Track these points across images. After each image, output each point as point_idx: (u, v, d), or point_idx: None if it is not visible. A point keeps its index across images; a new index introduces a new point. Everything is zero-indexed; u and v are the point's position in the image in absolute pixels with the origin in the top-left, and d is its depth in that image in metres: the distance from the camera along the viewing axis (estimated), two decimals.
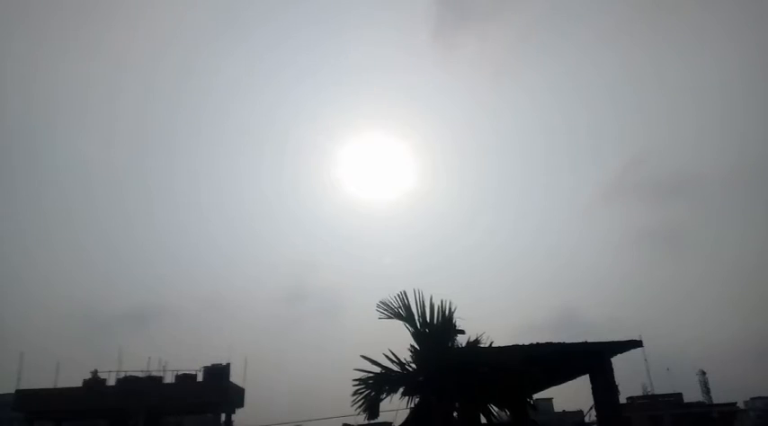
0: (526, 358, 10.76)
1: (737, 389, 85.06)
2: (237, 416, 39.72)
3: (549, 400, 54.41)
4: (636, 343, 13.85)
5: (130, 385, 35.21)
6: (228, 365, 36.54)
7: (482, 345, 10.56)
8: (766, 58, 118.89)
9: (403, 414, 10.63)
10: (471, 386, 10.17)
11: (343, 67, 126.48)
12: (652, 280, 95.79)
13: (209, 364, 36.31)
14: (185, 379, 36.05)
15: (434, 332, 10.46)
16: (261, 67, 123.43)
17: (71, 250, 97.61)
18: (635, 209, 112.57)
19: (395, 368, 10.59)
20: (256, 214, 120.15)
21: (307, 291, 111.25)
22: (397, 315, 10.57)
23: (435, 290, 10.65)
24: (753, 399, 61.58)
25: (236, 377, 37.19)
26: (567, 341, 12.96)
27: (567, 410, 54.04)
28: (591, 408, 15.30)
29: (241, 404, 38.87)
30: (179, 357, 60.65)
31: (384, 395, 10.48)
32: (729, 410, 53.88)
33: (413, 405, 10.57)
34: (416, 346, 10.58)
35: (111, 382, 35.74)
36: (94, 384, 35.46)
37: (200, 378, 36.09)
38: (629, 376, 47.51)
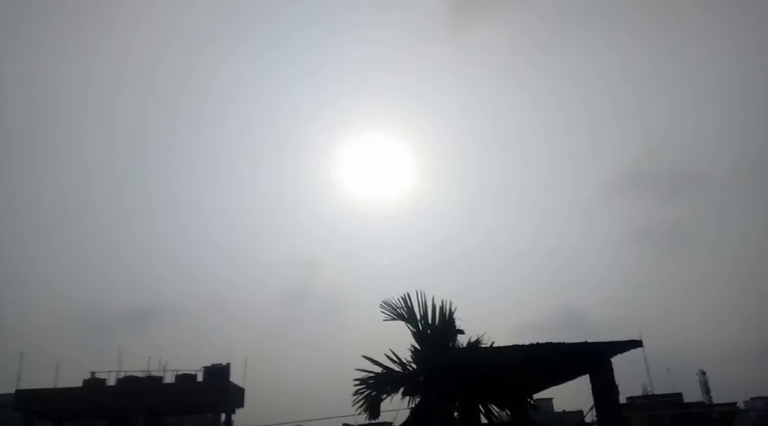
0: (526, 358, 10.77)
1: (737, 389, 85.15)
2: (237, 416, 39.79)
3: (549, 400, 54.43)
4: (636, 343, 13.86)
5: (130, 385, 35.24)
6: (228, 365, 36.57)
7: (482, 345, 10.58)
8: (766, 57, 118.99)
9: (403, 414, 10.65)
10: (472, 386, 10.19)
11: (342, 67, 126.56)
12: (652, 280, 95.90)
13: (209, 364, 36.34)
14: (185, 379, 36.06)
15: (435, 332, 10.48)
16: (261, 67, 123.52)
17: (71, 250, 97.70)
18: (635, 209, 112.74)
19: (396, 368, 10.60)
20: (256, 214, 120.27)
21: (307, 291, 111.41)
22: (400, 316, 10.59)
23: (436, 290, 10.69)
24: (753, 399, 61.62)
25: (236, 377, 37.26)
26: (567, 341, 12.98)
27: (567, 410, 54.07)
28: (591, 408, 15.30)
29: (241, 404, 38.88)
30: (179, 357, 60.65)
31: (385, 395, 10.49)
32: (729, 410, 53.89)
33: (413, 405, 10.59)
34: (417, 346, 10.60)
35: (111, 382, 35.77)
36: (94, 384, 35.47)
37: (200, 378, 36.10)
38: (629, 376, 47.51)
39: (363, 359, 10.57)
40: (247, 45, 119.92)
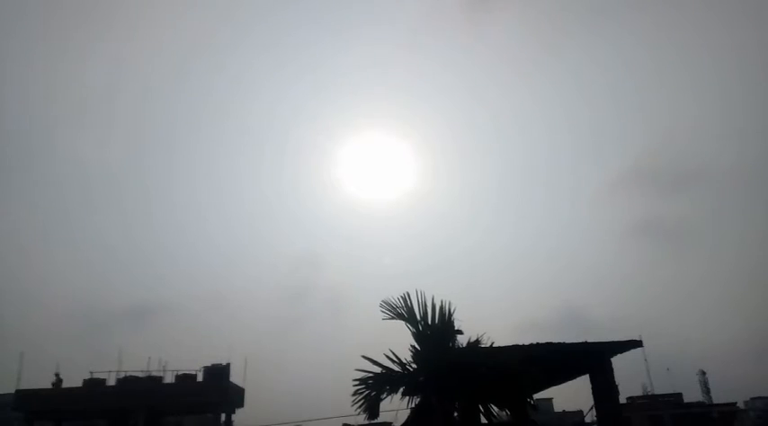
0: (526, 358, 10.77)
1: (737, 389, 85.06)
2: (237, 416, 39.79)
3: (549, 400, 54.41)
4: (636, 343, 13.87)
5: (130, 385, 35.25)
6: (228, 365, 36.58)
7: (482, 345, 10.58)
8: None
9: (403, 414, 10.66)
10: (471, 387, 10.19)
11: (342, 66, 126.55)
12: (653, 280, 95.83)
13: (209, 364, 36.35)
14: (185, 379, 36.07)
15: (435, 332, 10.49)
16: (260, 66, 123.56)
17: (71, 250, 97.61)
18: (636, 208, 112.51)
19: (395, 368, 10.60)
20: (256, 214, 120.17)
21: (307, 291, 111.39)
22: (400, 316, 10.60)
23: (436, 291, 10.69)
24: (753, 399, 61.61)
25: (236, 377, 37.26)
26: (567, 342, 12.99)
27: (567, 410, 54.05)
28: (591, 408, 15.31)
29: (241, 404, 38.89)
30: (179, 357, 60.65)
31: (384, 395, 10.49)
32: (729, 410, 53.90)
33: (413, 405, 10.59)
34: (417, 346, 10.60)
35: (111, 382, 35.78)
36: (94, 384, 35.48)
37: (200, 378, 36.11)
38: (629, 376, 47.48)
39: (363, 359, 10.59)
40: (247, 43, 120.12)
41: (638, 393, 56.85)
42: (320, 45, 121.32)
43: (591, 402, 14.76)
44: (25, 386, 34.73)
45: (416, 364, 10.62)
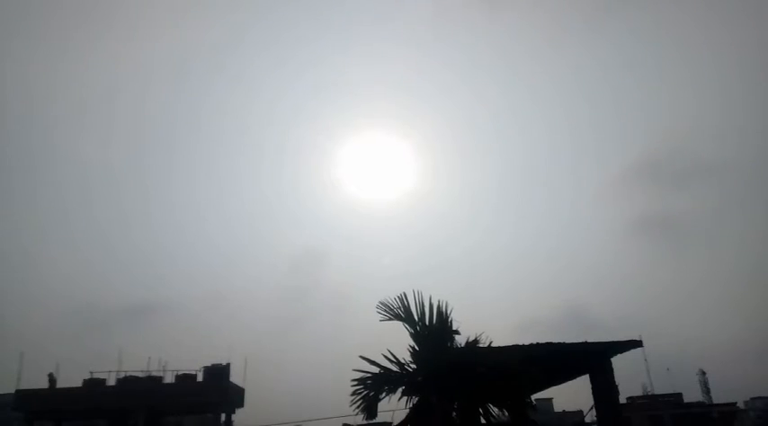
0: (525, 358, 10.75)
1: (737, 389, 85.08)
2: (237, 416, 39.80)
3: (549, 400, 54.41)
4: (636, 343, 13.84)
5: (130, 385, 35.25)
6: (228, 365, 36.58)
7: (481, 345, 10.56)
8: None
9: (401, 414, 10.63)
10: (470, 387, 10.17)
11: (342, 65, 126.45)
12: (653, 280, 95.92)
13: (209, 364, 36.35)
14: (185, 379, 36.07)
15: (433, 332, 10.47)
16: (260, 65, 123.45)
17: (70, 250, 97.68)
18: (637, 207, 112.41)
19: (394, 368, 10.59)
20: (256, 214, 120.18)
21: (307, 291, 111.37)
22: (397, 316, 10.59)
23: (436, 291, 10.68)
24: (753, 399, 61.58)
25: (236, 377, 37.26)
26: (567, 342, 12.96)
27: (567, 410, 54.04)
28: (591, 408, 15.28)
29: (241, 404, 38.89)
30: (179, 357, 60.69)
31: (383, 395, 10.48)
32: (729, 410, 53.88)
33: (412, 406, 10.57)
34: (415, 346, 10.58)
35: (111, 382, 35.78)
36: (94, 384, 35.48)
37: (200, 378, 36.11)
38: (629, 376, 47.54)
39: (361, 359, 10.57)
40: (246, 42, 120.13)
41: (638, 393, 56.94)
42: (320, 43, 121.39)
43: (591, 402, 14.73)
44: (25, 385, 34.76)
45: (415, 364, 10.60)
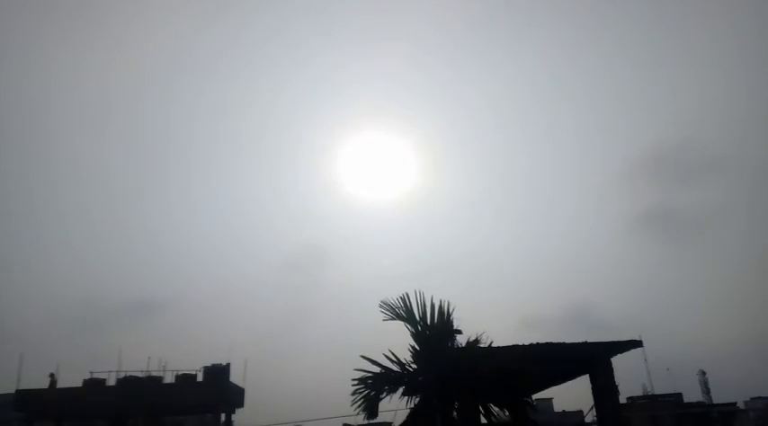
0: (525, 358, 10.78)
1: (737, 389, 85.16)
2: (237, 416, 39.82)
3: (549, 400, 54.46)
4: (636, 343, 13.85)
5: (130, 385, 35.27)
6: (228, 365, 36.62)
7: (482, 345, 10.59)
8: None
9: (402, 414, 10.67)
10: (471, 386, 10.20)
11: (342, 64, 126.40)
12: (655, 279, 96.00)
13: (209, 364, 36.38)
14: (185, 379, 36.10)
15: (434, 332, 10.50)
16: (257, 62, 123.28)
17: (70, 250, 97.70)
18: (642, 206, 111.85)
19: (395, 368, 10.62)
20: (256, 213, 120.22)
21: (307, 291, 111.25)
22: (399, 316, 10.63)
23: (438, 291, 10.73)
24: (753, 399, 61.62)
25: (236, 378, 37.29)
26: (567, 342, 12.99)
27: (566, 410, 54.08)
28: (591, 408, 15.30)
29: (241, 405, 38.93)
30: (179, 357, 60.73)
31: (384, 395, 10.51)
32: (729, 410, 53.95)
33: (412, 405, 10.60)
34: (416, 346, 10.61)
35: (111, 382, 35.81)
36: (94, 384, 35.52)
37: (200, 378, 36.15)
38: (629, 376, 47.63)
39: (362, 359, 10.60)
40: (243, 39, 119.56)
41: (638, 393, 57.03)
42: (317, 40, 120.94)
43: (591, 402, 14.75)
44: (25, 386, 34.79)
45: (416, 364, 10.63)
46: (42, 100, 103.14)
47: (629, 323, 70.38)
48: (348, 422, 29.60)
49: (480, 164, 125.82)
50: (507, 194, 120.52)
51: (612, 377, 14.12)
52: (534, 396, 14.92)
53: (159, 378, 36.22)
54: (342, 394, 11.20)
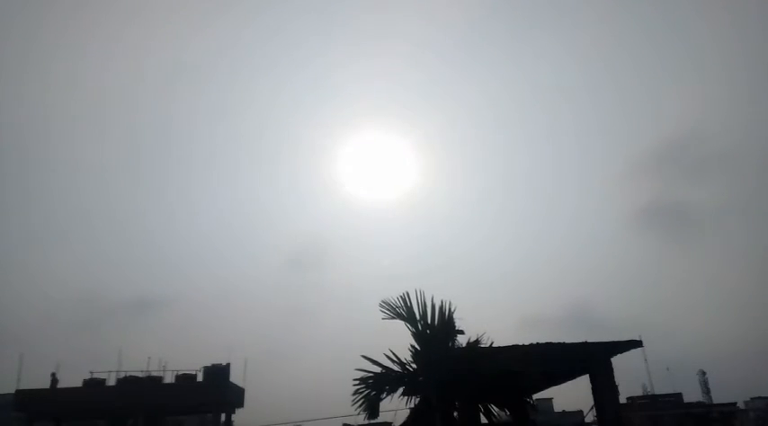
0: (526, 358, 10.78)
1: (737, 389, 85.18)
2: (237, 416, 39.82)
3: (549, 400, 54.44)
4: (636, 343, 13.85)
5: (130, 385, 35.27)
6: (228, 365, 36.61)
7: (482, 345, 10.60)
8: None
9: (403, 414, 10.68)
10: (471, 386, 10.20)
11: (342, 63, 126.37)
12: (657, 278, 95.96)
13: (209, 364, 36.38)
14: (185, 379, 36.09)
15: (435, 332, 10.50)
16: (257, 62, 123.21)
17: (69, 251, 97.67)
18: (643, 204, 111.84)
19: (395, 367, 10.63)
20: (256, 213, 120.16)
21: (307, 291, 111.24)
22: (399, 316, 10.63)
23: (438, 291, 10.72)
24: (753, 399, 61.64)
25: (236, 378, 37.30)
26: (567, 341, 12.99)
27: (567, 410, 54.09)
28: (591, 408, 15.30)
29: (241, 404, 38.93)
30: (179, 357, 60.72)
31: (384, 395, 10.52)
32: (729, 410, 53.98)
33: (413, 405, 10.61)
34: (417, 346, 10.62)
35: (111, 382, 35.81)
36: (94, 385, 35.52)
37: (200, 378, 36.15)
38: (629, 376, 47.63)
39: (363, 358, 10.61)
40: (242, 38, 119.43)
41: (639, 393, 57.02)
42: (316, 40, 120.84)
43: (591, 402, 14.75)
44: (25, 386, 34.79)
45: (416, 364, 10.64)
46: (42, 99, 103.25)
47: (629, 323, 70.41)
48: (348, 422, 29.59)
49: (480, 164, 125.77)
50: (507, 194, 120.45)
51: (612, 377, 14.13)
52: (534, 396, 14.92)
53: (159, 378, 36.20)
54: (342, 395, 11.23)
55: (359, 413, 10.56)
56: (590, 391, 14.55)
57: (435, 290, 10.72)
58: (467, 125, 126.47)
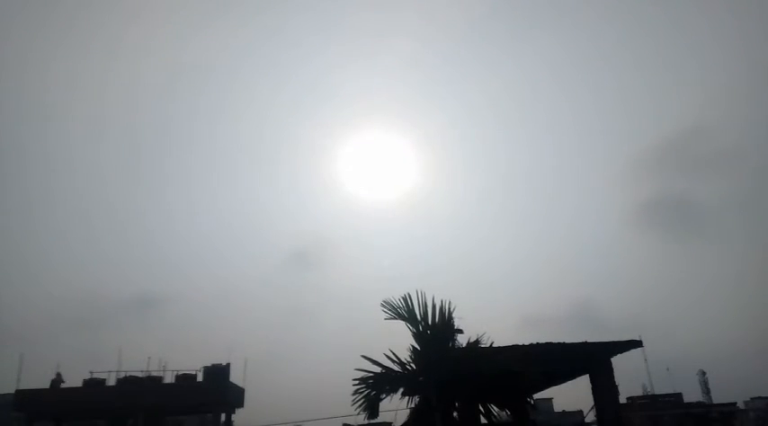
0: (526, 358, 10.79)
1: (737, 389, 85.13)
2: (237, 416, 39.81)
3: (549, 400, 54.47)
4: (636, 343, 13.87)
5: (130, 385, 35.26)
6: (228, 365, 36.59)
7: (482, 345, 10.61)
8: None
9: (403, 414, 10.69)
10: (471, 386, 10.21)
11: (342, 63, 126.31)
12: (657, 278, 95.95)
13: (209, 364, 36.38)
14: (185, 379, 36.09)
15: (435, 332, 10.51)
16: (256, 62, 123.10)
17: (69, 251, 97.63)
18: (641, 207, 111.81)
19: (395, 367, 10.64)
20: (256, 213, 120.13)
21: (307, 291, 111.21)
22: (400, 316, 10.65)
23: (438, 291, 10.74)
24: (753, 399, 61.64)
25: (236, 378, 37.30)
26: (567, 342, 13.00)
27: (567, 410, 54.12)
28: (591, 408, 15.32)
29: (241, 404, 38.92)
30: (179, 357, 60.76)
31: (384, 395, 10.53)
32: (729, 410, 53.97)
33: (413, 405, 10.62)
34: (417, 346, 10.63)
35: (111, 382, 35.80)
36: (94, 384, 35.52)
37: (200, 378, 36.15)
38: (629, 376, 47.63)
39: (363, 358, 10.62)
40: (241, 37, 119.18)
41: (639, 393, 57.02)
42: (316, 39, 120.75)
43: (591, 402, 14.77)
44: (25, 386, 34.80)
45: (416, 364, 10.65)
46: (42, 99, 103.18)
47: (629, 322, 70.44)
48: (348, 422, 29.60)
49: (481, 164, 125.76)
50: (507, 194, 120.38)
51: (612, 377, 14.15)
52: (534, 396, 14.93)
53: (159, 378, 36.18)
54: (342, 395, 11.23)
55: (359, 413, 10.58)
56: (590, 391, 14.57)
57: (436, 290, 10.75)
58: (467, 124, 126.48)
